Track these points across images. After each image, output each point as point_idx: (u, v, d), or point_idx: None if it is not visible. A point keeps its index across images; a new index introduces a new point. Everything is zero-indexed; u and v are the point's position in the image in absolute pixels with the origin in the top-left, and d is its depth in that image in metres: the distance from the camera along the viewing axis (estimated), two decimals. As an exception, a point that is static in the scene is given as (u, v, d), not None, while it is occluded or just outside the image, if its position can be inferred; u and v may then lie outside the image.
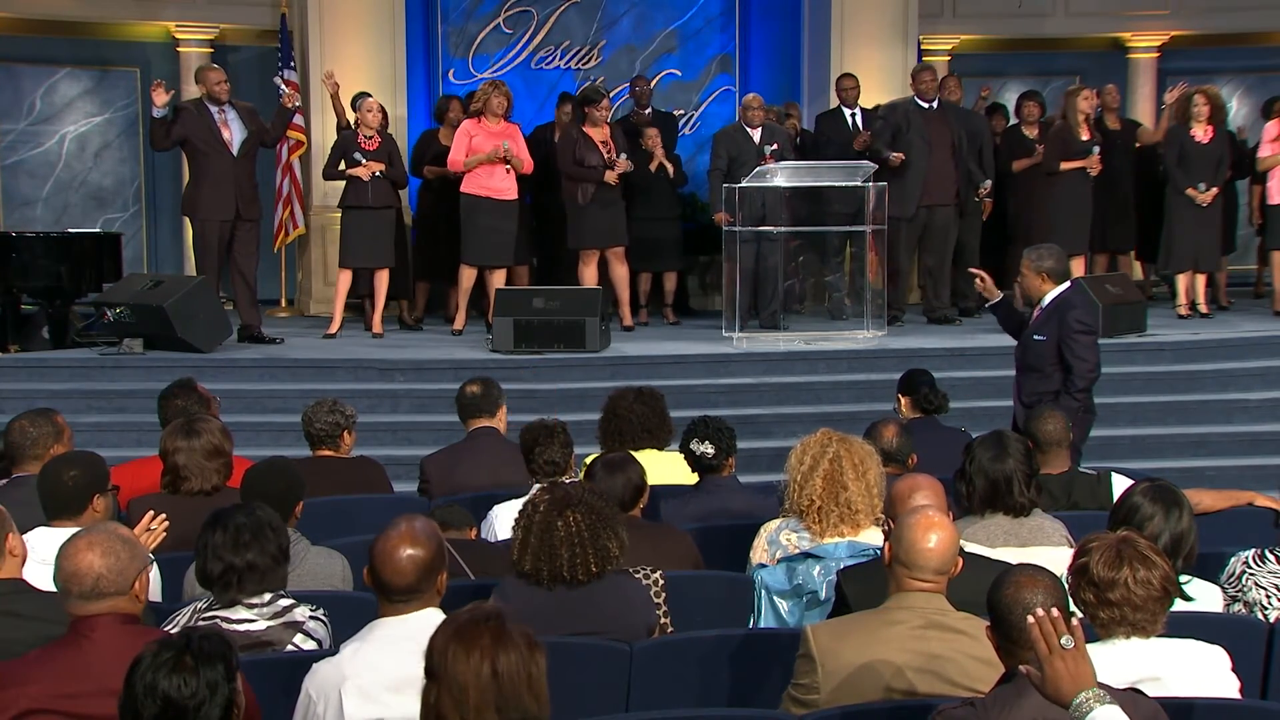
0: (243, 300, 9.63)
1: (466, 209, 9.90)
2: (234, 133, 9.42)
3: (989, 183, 10.57)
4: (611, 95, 11.10)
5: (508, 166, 9.76)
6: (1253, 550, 4.16)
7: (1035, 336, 6.41)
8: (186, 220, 10.26)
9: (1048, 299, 6.39)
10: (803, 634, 3.44)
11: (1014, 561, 4.06)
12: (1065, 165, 10.40)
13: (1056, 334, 6.32)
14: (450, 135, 10.28)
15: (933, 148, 10.32)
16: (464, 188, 9.89)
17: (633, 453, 5.27)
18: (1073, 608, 3.39)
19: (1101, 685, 2.76)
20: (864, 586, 3.78)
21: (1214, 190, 10.36)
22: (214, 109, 9.40)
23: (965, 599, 3.44)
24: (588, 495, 3.85)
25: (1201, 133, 10.41)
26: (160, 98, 9.27)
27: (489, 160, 9.76)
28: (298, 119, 11.35)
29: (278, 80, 10.77)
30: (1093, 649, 3.25)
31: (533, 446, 5.14)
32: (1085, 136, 10.48)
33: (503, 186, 9.86)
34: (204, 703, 2.69)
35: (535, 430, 5.19)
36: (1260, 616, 4.02)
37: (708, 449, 5.12)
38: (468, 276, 10.07)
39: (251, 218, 9.54)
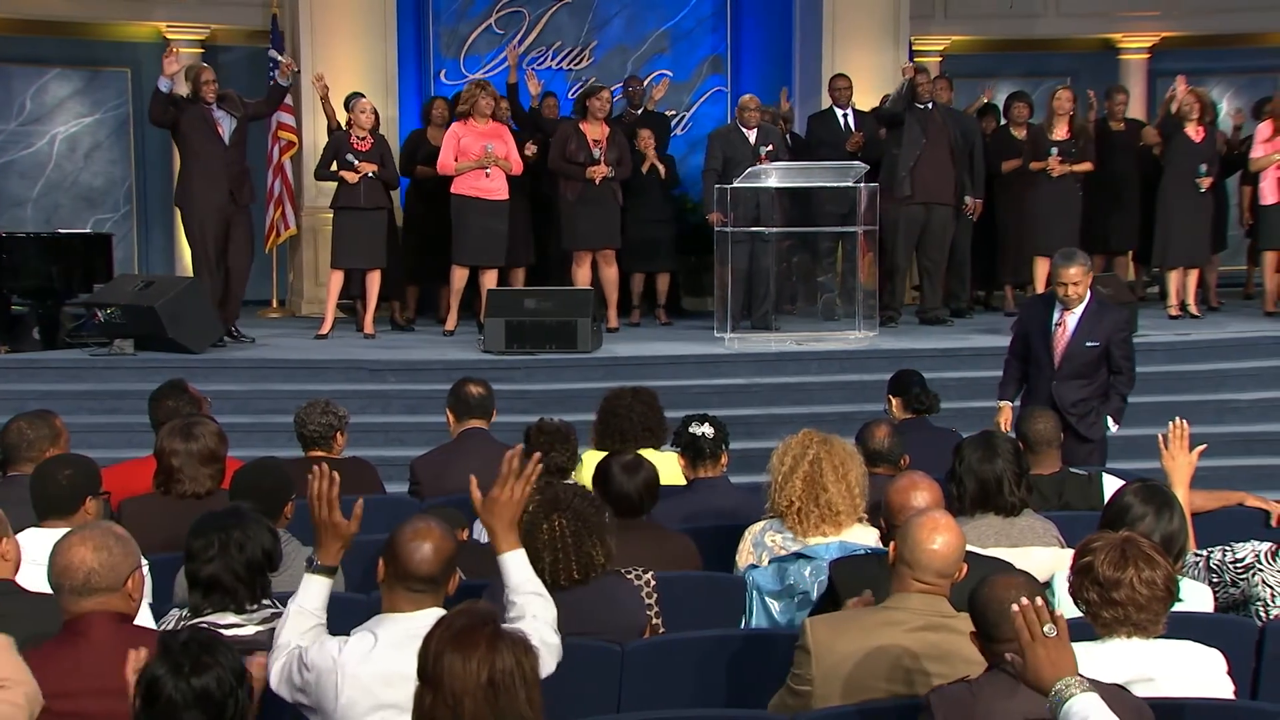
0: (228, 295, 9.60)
1: (457, 210, 9.92)
2: (225, 127, 9.46)
3: (969, 200, 10.61)
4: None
5: (488, 172, 9.79)
6: (1268, 545, 4.14)
7: (1088, 344, 6.41)
8: (178, 220, 10.23)
9: (1085, 303, 6.41)
10: (801, 626, 3.46)
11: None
12: (1034, 166, 10.43)
13: (1105, 337, 6.38)
14: (438, 135, 10.29)
15: (929, 144, 10.33)
16: (454, 189, 9.91)
17: (631, 452, 5.28)
18: (1069, 607, 3.40)
19: (1084, 677, 2.79)
20: (854, 576, 3.81)
21: (1210, 178, 10.41)
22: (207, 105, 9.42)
23: (964, 600, 3.44)
24: (577, 500, 3.83)
25: (1194, 132, 10.45)
26: (171, 66, 9.21)
27: (478, 166, 9.79)
28: (289, 119, 11.37)
29: (273, 53, 10.71)
30: (1090, 647, 3.25)
31: (548, 450, 5.05)
32: (1062, 136, 10.43)
33: (492, 187, 9.88)
34: (233, 690, 2.72)
35: (548, 432, 5.16)
36: (1260, 613, 4.02)
37: (707, 430, 5.13)
38: (460, 277, 10.08)
39: (244, 203, 9.56)
